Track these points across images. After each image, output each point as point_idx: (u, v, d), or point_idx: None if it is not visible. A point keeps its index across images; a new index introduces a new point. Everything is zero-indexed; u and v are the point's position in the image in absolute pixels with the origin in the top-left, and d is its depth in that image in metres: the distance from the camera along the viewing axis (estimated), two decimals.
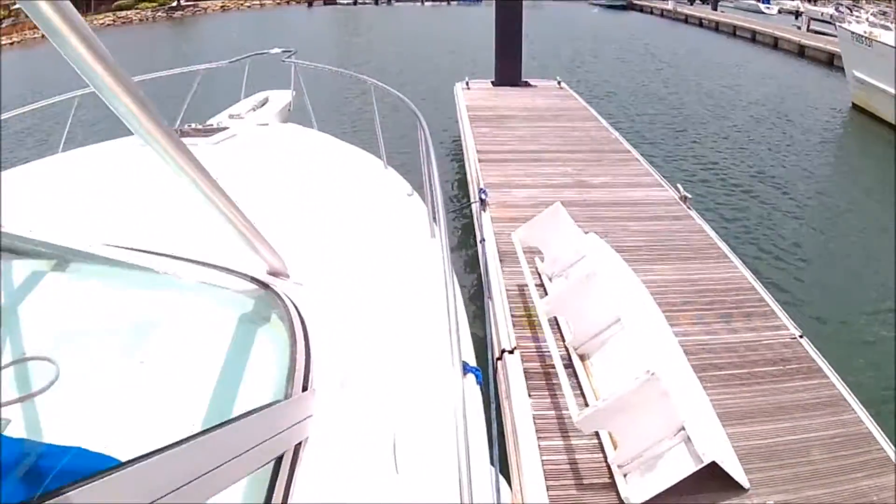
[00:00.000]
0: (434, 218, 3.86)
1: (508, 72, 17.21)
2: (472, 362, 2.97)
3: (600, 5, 66.92)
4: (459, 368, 2.35)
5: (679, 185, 9.34)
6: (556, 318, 5.77)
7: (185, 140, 5.51)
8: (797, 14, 53.46)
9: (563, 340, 5.59)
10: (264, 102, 8.62)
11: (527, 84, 17.38)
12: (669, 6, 56.29)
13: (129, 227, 3.44)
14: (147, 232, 3.25)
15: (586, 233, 6.64)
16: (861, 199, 12.43)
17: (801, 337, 5.84)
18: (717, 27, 45.73)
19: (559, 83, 17.32)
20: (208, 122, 7.08)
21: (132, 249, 2.82)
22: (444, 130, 15.49)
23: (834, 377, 5.27)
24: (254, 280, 2.67)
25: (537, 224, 6.59)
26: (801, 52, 33.01)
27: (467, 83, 16.89)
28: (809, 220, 11.29)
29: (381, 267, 3.49)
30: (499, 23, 17.37)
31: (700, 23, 48.82)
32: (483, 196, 8.44)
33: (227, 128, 6.33)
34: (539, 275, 6.69)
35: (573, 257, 6.33)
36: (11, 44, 60.84)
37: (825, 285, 8.96)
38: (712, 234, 8.03)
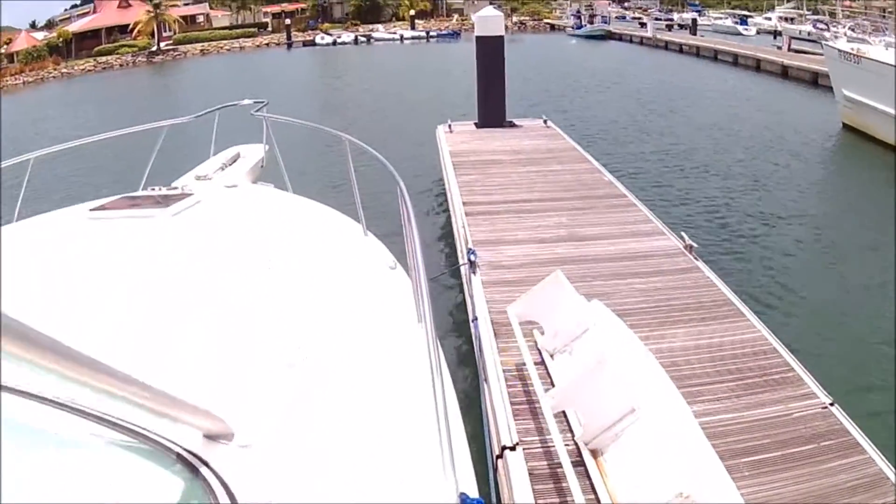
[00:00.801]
0: (419, 301, 3.39)
1: (492, 113, 16.66)
2: (473, 490, 2.50)
3: (578, 36, 67.26)
4: None
5: (683, 234, 8.77)
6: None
7: (141, 211, 4.92)
8: (776, 34, 54.95)
9: (572, 433, 4.92)
10: (235, 159, 8.05)
11: (512, 124, 16.82)
12: (648, 34, 56.48)
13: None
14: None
15: (589, 299, 6.01)
16: (871, 232, 11.79)
17: (832, 405, 5.29)
18: (697, 52, 45.84)
19: (545, 122, 16.79)
20: (173, 185, 6.55)
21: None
22: (427, 177, 14.96)
23: (873, 451, 4.74)
24: (179, 459, 2.02)
25: (536, 296, 5.94)
26: (784, 72, 33.01)
27: (450, 126, 16.29)
28: (820, 262, 10.67)
29: (358, 369, 3.09)
30: (481, 63, 16.82)
31: (680, 49, 48.96)
32: (472, 257, 7.79)
33: (191, 194, 5.72)
34: (538, 350, 6.03)
35: (576, 330, 5.68)
36: None
37: (847, 337, 8.32)
38: (723, 287, 7.42)
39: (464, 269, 7.89)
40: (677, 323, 6.65)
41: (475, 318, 6.57)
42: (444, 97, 29.36)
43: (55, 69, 67.88)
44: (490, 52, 16.62)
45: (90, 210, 5.23)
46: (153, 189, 6.25)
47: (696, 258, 8.22)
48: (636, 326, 5.93)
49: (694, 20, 62.32)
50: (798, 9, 62.37)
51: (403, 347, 3.32)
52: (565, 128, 17.11)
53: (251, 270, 4.09)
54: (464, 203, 10.38)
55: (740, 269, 10.36)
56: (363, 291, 4.08)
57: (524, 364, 5.66)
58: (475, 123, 16.95)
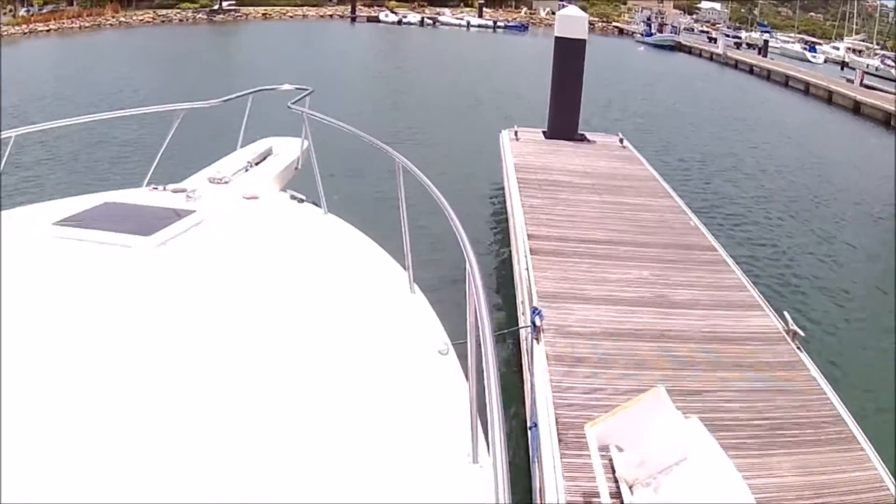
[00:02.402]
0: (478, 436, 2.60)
1: (564, 124, 15.17)
2: None
3: (647, 44, 65.57)
4: None
5: (786, 313, 7.30)
6: None
7: (117, 237, 3.86)
8: (843, 65, 54.65)
9: None
10: (265, 156, 6.71)
11: (583, 138, 15.30)
12: (719, 50, 55.41)
13: None
14: None
15: (685, 414, 4.62)
16: None
17: None
18: (768, 76, 44.76)
19: (621, 141, 15.20)
20: (180, 186, 5.28)
21: None
22: (485, 187, 13.63)
23: None
24: None
25: (627, 417, 4.52)
26: (856, 108, 32.10)
27: (516, 133, 14.80)
28: None
29: None
30: (557, 67, 15.35)
31: (751, 69, 47.88)
32: (537, 320, 6.36)
33: (193, 211, 4.45)
34: (614, 476, 4.61)
35: (668, 459, 4.38)
36: (48, 31, 61.23)
37: None
38: (833, 398, 5.98)
39: (524, 334, 6.44)
40: (783, 447, 5.31)
41: (534, 425, 5.16)
42: (509, 97, 27.88)
43: (114, 17, 67.69)
44: (569, 55, 15.18)
45: (55, 224, 3.99)
46: (154, 188, 5.21)
47: (799, 348, 6.83)
48: (737, 449, 4.87)
49: (766, 41, 61.23)
50: (866, 41, 63.53)
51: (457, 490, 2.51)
52: (641, 147, 15.51)
53: (252, 343, 3.11)
54: (529, 236, 8.91)
55: (858, 370, 8.38)
56: (404, 388, 3.08)
57: (597, 494, 4.28)
58: (543, 132, 15.48)
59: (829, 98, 35.11)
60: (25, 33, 60.57)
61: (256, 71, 30.77)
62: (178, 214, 4.31)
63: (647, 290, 7.78)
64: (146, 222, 4.13)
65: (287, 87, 7.17)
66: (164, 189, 5.16)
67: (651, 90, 34.03)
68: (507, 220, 10.68)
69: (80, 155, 16.70)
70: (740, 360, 6.55)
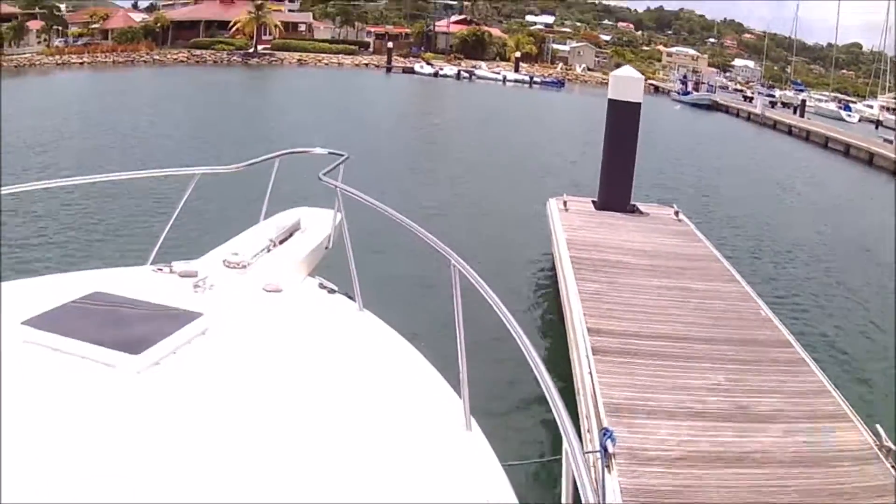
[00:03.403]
0: None
1: (616, 194, 14.26)
2: None
3: (683, 102, 65.49)
4: None
5: (878, 426, 6.40)
6: None
7: (97, 351, 3.07)
8: (878, 123, 56.54)
9: None
10: (291, 231, 5.83)
11: (635, 209, 14.42)
12: (757, 110, 55.56)
13: None
14: None
15: None
16: None
17: None
18: (807, 136, 44.78)
19: (676, 214, 14.29)
20: (190, 268, 4.49)
21: None
22: (533, 263, 12.79)
23: None
24: None
25: None
26: None
27: (565, 203, 13.94)
28: None
29: None
30: (610, 131, 14.56)
31: (789, 130, 47.85)
32: (608, 444, 5.43)
33: (199, 315, 3.62)
34: None
35: None
36: (82, 63, 62.62)
37: None
38: None
39: (592, 459, 5.50)
40: None
41: None
42: (550, 158, 27.22)
43: (148, 53, 68.61)
44: (624, 120, 14.35)
45: (25, 323, 3.21)
46: (159, 269, 4.46)
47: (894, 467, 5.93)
48: None
49: (803, 101, 62.59)
50: None
51: None
52: (697, 221, 14.63)
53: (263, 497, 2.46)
54: (588, 330, 7.98)
55: None
56: None
57: None
58: (593, 202, 14.61)
59: (869, 160, 35.28)
60: (59, 64, 61.70)
61: (289, 121, 30.48)
62: (180, 320, 3.48)
63: (726, 400, 6.84)
64: (139, 329, 3.34)
65: (319, 150, 6.42)
66: (171, 271, 4.40)
67: (695, 154, 33.31)
68: (557, 301, 9.78)
69: (78, 216, 14.97)
70: (834, 486, 5.68)
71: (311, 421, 2.95)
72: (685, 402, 6.78)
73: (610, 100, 14.61)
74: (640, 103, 14.42)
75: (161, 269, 4.43)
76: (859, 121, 59.94)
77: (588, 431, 6.20)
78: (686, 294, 9.73)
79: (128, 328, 3.34)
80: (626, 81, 14.73)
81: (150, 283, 4.16)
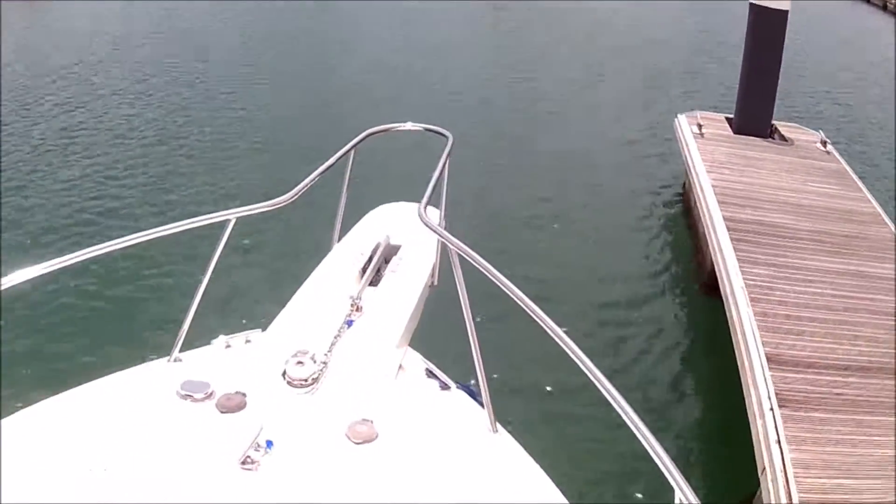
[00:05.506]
0: None
1: (756, 115, 12.79)
2: None
3: None
4: None
5: None
6: None
7: None
8: None
9: None
10: (387, 255, 3.90)
11: (776, 133, 12.94)
12: None
13: None
14: None
15: None
16: None
17: None
18: None
19: (824, 144, 12.70)
20: (229, 392, 2.73)
21: None
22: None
23: None
24: None
25: None
26: None
27: (699, 127, 12.41)
28: None
29: None
30: (751, 42, 12.88)
31: None
32: None
33: (254, 463, 2.39)
34: None
35: None
36: None
37: None
38: None
39: None
40: None
41: None
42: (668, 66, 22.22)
43: None
44: (768, 29, 12.68)
45: None
46: (187, 395, 2.68)
47: None
48: None
49: None
50: None
51: None
52: (846, 153, 13.06)
53: None
54: (768, 359, 6.60)
55: None
56: None
57: None
58: (728, 120, 13.18)
59: None
60: None
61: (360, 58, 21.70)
62: None
63: None
64: None
65: (411, 126, 4.35)
66: (207, 395, 2.68)
67: (831, 62, 24.93)
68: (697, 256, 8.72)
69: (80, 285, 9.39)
70: None
71: None
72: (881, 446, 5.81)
73: (752, 5, 12.82)
74: (787, 11, 12.62)
75: (190, 396, 2.70)
76: None
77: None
78: (866, 287, 8.22)
79: None
80: None
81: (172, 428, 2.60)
